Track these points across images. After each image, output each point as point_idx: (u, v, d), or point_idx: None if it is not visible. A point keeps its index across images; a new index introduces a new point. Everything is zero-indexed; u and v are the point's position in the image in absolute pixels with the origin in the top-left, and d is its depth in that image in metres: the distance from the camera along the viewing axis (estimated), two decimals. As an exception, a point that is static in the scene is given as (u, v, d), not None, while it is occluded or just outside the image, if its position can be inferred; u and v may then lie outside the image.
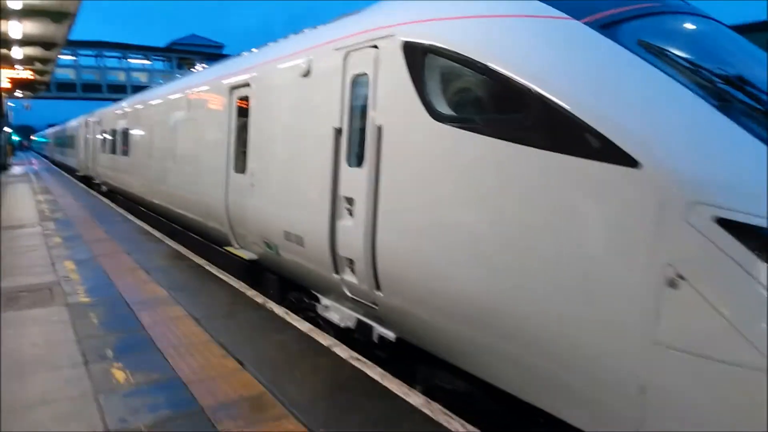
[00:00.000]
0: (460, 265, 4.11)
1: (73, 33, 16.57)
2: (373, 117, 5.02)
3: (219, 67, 10.14)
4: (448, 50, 4.29)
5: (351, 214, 5.43)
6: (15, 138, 60.95)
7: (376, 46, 5.05)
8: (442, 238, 4.26)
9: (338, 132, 5.62)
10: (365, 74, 5.21)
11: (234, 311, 6.53)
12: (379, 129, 4.93)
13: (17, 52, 16.24)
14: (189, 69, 38.51)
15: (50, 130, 57.33)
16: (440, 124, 4.30)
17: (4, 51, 15.89)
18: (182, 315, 6.33)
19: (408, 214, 4.64)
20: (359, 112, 5.39)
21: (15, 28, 13.20)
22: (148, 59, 52.37)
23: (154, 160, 13.09)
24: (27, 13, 12.15)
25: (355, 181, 5.33)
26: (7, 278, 8.04)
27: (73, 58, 45.89)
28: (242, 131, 8.25)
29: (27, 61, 17.68)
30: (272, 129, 7.13)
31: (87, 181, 24.92)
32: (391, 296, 5.01)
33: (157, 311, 6.46)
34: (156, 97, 13.89)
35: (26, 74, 15.22)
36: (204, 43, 62.44)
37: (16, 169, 38.43)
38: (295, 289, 7.21)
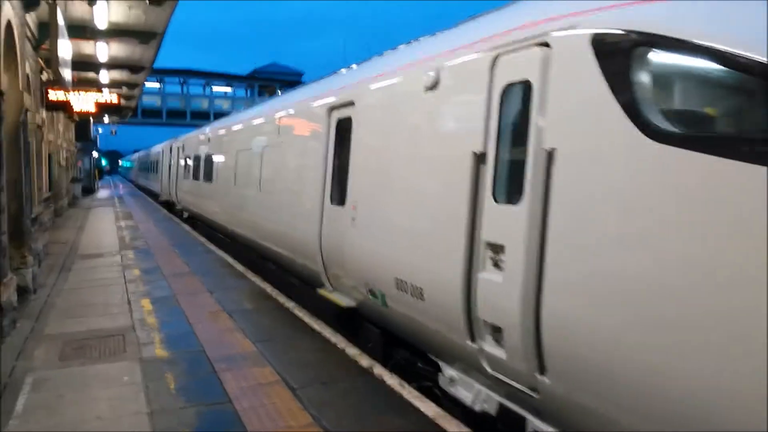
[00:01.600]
0: (688, 349, 2.72)
1: (158, 61, 16.38)
2: (540, 138, 3.71)
3: (313, 87, 9.16)
4: (680, 41, 2.93)
5: (498, 265, 4.12)
6: (103, 163, 63.81)
7: (545, 44, 3.76)
8: (659, 309, 2.88)
9: (479, 158, 4.36)
10: (525, 82, 3.92)
11: (335, 376, 5.30)
12: (550, 154, 3.62)
13: (105, 76, 16.10)
14: (269, 97, 38.78)
15: (135, 155, 59.58)
16: (662, 145, 2.93)
17: (91, 74, 15.75)
18: (274, 380, 5.15)
19: (598, 271, 3.28)
20: (513, 132, 4.10)
21: (102, 50, 12.90)
22: (230, 87, 53.56)
23: (239, 187, 12.28)
24: (113, 33, 11.81)
25: (506, 222, 4.03)
26: (78, 319, 7.20)
27: (159, 85, 47.43)
28: (342, 157, 7.15)
29: (114, 85, 17.64)
30: (382, 154, 5.96)
31: (169, 206, 24.88)
32: (562, 383, 3.63)
33: (244, 373, 5.33)
34: (241, 121, 13.18)
35: (113, 98, 14.89)
36: (284, 71, 63.43)
37: (102, 193, 39.62)
38: (403, 345, 5.95)
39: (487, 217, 4.26)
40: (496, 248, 4.14)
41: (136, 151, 64.72)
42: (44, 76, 13.89)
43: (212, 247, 13.70)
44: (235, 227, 12.63)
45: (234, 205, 12.65)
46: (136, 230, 17.00)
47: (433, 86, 5.06)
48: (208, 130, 17.86)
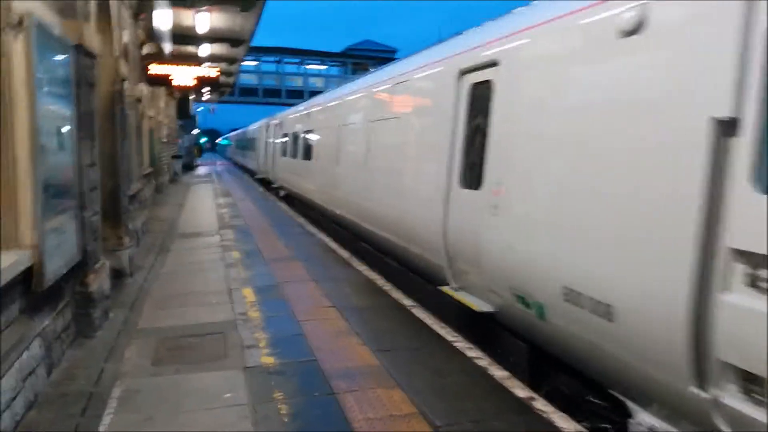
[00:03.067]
0: None
1: (254, 40, 15.67)
2: None
3: (427, 54, 7.86)
4: None
5: (758, 285, 2.77)
6: (202, 140, 65.78)
7: None
8: None
9: (727, 127, 2.95)
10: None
11: (485, 411, 4.08)
12: None
13: (204, 49, 15.56)
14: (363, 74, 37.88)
15: (232, 133, 60.84)
16: None
17: (191, 48, 15.24)
18: (409, 413, 4.01)
19: None
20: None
21: (202, 20, 12.23)
22: (324, 65, 53.01)
23: (340, 166, 11.27)
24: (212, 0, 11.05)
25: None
26: (175, 310, 6.42)
27: (255, 63, 47.64)
28: (476, 131, 5.87)
29: (214, 60, 17.11)
30: (546, 126, 4.60)
31: (266, 184, 24.62)
32: None
33: (368, 397, 4.24)
34: (343, 95, 12.13)
35: (213, 73, 14.31)
36: (378, 47, 62.20)
37: (201, 170, 40.46)
38: (561, 367, 4.67)
39: (739, 213, 2.87)
40: (755, 260, 2.77)
41: (233, 129, 66.29)
42: (144, 51, 13.48)
43: (312, 229, 12.86)
44: (335, 208, 11.67)
45: (335, 186, 11.67)
46: (235, 208, 16.56)
47: (634, 30, 3.65)
48: (306, 106, 17.04)
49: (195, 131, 46.73)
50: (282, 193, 20.27)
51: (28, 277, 4.01)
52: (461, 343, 5.43)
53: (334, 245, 10.70)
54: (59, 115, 4.79)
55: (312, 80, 50.96)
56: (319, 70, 52.88)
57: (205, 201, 18.80)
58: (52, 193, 4.45)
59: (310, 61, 52.01)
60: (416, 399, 4.21)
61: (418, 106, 7.54)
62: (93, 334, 5.43)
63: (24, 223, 3.99)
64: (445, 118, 6.48)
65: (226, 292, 7.17)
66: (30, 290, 4.10)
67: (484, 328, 5.83)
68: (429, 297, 6.93)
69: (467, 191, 5.87)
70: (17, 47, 3.93)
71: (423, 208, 6.91)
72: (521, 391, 4.40)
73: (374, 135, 9.18)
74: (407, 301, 6.85)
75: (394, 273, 8.28)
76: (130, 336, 5.54)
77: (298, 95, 44.83)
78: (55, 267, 4.43)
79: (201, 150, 58.35)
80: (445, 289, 6.33)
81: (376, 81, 9.77)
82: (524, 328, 5.03)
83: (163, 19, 11.95)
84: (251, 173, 32.70)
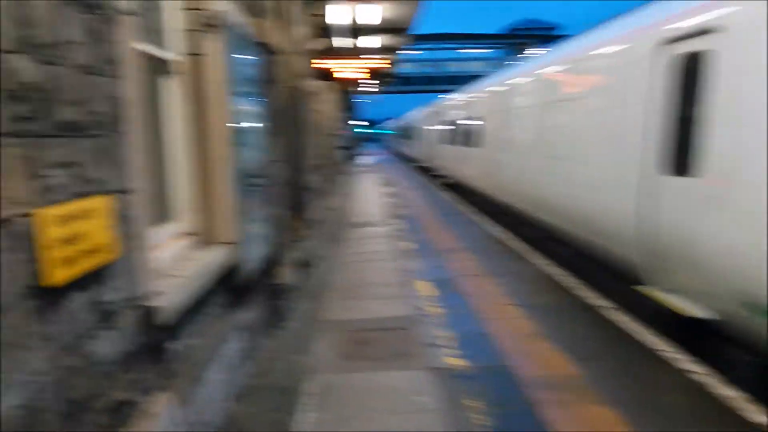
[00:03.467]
0: None
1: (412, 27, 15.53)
2: None
3: (623, 22, 7.02)
4: None
5: None
6: (363, 130, 67.96)
7: None
8: None
9: None
10: None
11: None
12: None
13: (367, 41, 15.72)
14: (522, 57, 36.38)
15: (391, 123, 62.12)
16: None
17: (354, 40, 15.44)
18: (627, 435, 3.50)
19: None
20: None
21: (366, 11, 12.30)
22: (483, 48, 51.94)
23: (512, 153, 10.70)
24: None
25: None
26: (356, 302, 6.41)
27: (411, 52, 48.05)
28: (685, 108, 5.06)
29: (377, 51, 17.29)
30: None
31: (426, 172, 24.63)
32: None
33: (578, 414, 3.78)
34: (514, 77, 11.49)
35: (376, 65, 14.40)
36: (539, 26, 59.41)
37: (363, 160, 41.77)
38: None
39: None
40: None
41: (390, 118, 67.69)
42: (312, 44, 13.92)
43: (478, 218, 12.45)
44: (507, 197, 11.13)
45: (506, 173, 11.12)
46: (399, 197, 16.67)
47: None
48: (469, 92, 16.59)
49: (356, 122, 48.34)
50: (445, 181, 20.07)
51: (228, 274, 4.11)
52: (669, 353, 4.73)
53: (503, 236, 10.20)
54: (250, 113, 4.89)
55: (471, 65, 50.22)
56: (478, 53, 51.90)
57: (370, 190, 19.19)
58: (246, 190, 4.54)
59: (467, 45, 51.28)
60: (632, 420, 3.66)
61: (607, 84, 6.77)
62: (284, 325, 5.55)
63: (223, 220, 4.08)
64: (637, 95, 5.72)
65: (402, 285, 7.04)
66: (230, 285, 4.20)
67: (692, 336, 5.07)
68: (615, 295, 6.23)
69: (673, 179, 5.09)
70: (213, 46, 4.01)
71: (610, 196, 6.21)
72: (759, 416, 3.65)
73: (550, 118, 8.51)
74: (596, 301, 6.20)
75: (575, 266, 7.63)
76: (317, 328, 5.59)
77: (456, 81, 44.42)
78: (252, 262, 4.52)
79: (362, 140, 60.36)
80: (647, 290, 5.60)
81: (553, 60, 9.05)
82: (756, 340, 4.22)
83: (330, 13, 12.21)
84: (412, 162, 33.02)
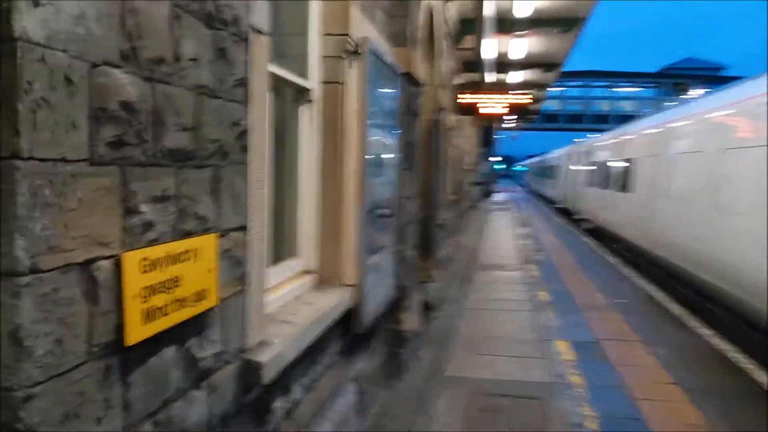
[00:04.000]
0: None
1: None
2: None
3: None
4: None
5: None
6: (498, 166, 66.68)
7: None
8: None
9: None
10: None
11: None
12: None
13: (515, 76, 15.15)
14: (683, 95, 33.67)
15: (530, 160, 60.32)
16: None
17: (501, 76, 14.93)
18: None
19: None
20: None
21: (518, 45, 11.78)
22: (635, 87, 48.85)
23: (671, 200, 9.51)
24: (535, 22, 10.48)
25: None
26: (484, 356, 5.80)
27: (559, 88, 46.44)
28: None
29: (523, 87, 16.66)
30: None
31: (566, 214, 23.29)
32: None
33: None
34: (678, 119, 10.30)
35: (524, 99, 13.79)
36: (702, 65, 54.78)
37: (498, 197, 40.72)
38: None
39: None
40: None
41: (530, 155, 65.86)
42: (457, 78, 13.65)
43: (626, 271, 11.25)
44: (661, 250, 9.86)
45: (661, 223, 9.90)
46: (535, 240, 15.73)
47: None
48: (621, 132, 15.34)
49: (493, 158, 47.48)
50: (586, 226, 18.71)
51: (346, 318, 3.75)
52: None
53: (659, 295, 9.03)
54: (385, 145, 4.58)
55: (621, 104, 47.45)
56: (631, 92, 48.92)
57: (504, 229, 18.39)
58: (374, 227, 4.20)
59: (620, 83, 48.59)
60: None
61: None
62: (402, 376, 5.10)
63: (347, 260, 3.75)
64: None
65: (537, 342, 6.32)
66: (348, 330, 3.84)
67: None
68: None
69: None
70: (352, 74, 3.74)
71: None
72: None
73: (727, 166, 7.35)
74: (779, 388, 5.07)
75: (748, 340, 6.41)
76: (440, 384, 5.07)
77: (603, 120, 42.19)
78: (374, 306, 4.15)
79: (498, 176, 59.20)
80: None
81: (730, 101, 7.90)
82: None
83: (481, 47, 11.85)
84: (549, 202, 31.56)
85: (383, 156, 4.51)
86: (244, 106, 2.23)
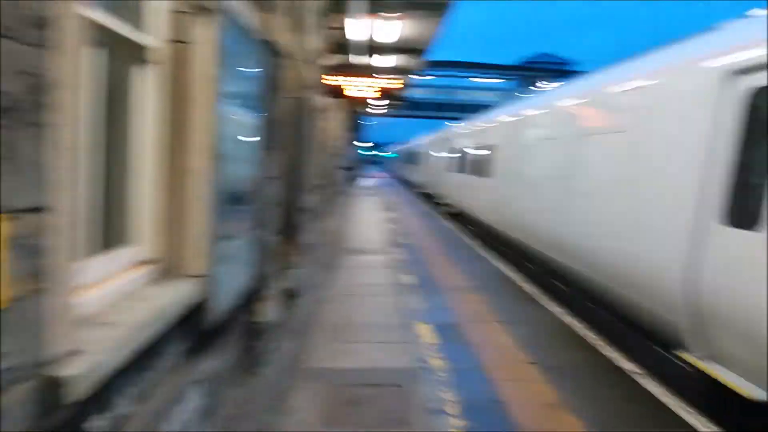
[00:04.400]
0: None
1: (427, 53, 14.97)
2: None
3: (669, 52, 6.33)
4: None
5: None
6: (367, 152, 67.43)
7: None
8: None
9: None
10: None
11: None
12: None
13: (380, 60, 15.05)
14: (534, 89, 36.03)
15: (396, 147, 61.58)
16: None
17: (366, 59, 14.76)
18: None
19: None
20: None
21: (386, 29, 11.66)
22: (494, 78, 51.49)
23: (529, 186, 9.94)
24: (403, 5, 10.41)
25: None
26: (346, 345, 5.59)
27: (426, 77, 47.63)
28: (754, 146, 4.34)
29: (388, 72, 16.64)
30: None
31: (428, 198, 23.95)
32: None
33: None
34: (535, 108, 10.79)
35: (388, 85, 13.73)
36: (554, 60, 59.12)
37: (366, 182, 41.09)
38: None
39: None
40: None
41: (394, 142, 67.22)
42: (325, 59, 13.28)
43: (483, 252, 11.68)
44: (516, 233, 10.33)
45: (520, 207, 10.33)
46: (399, 223, 15.91)
47: None
48: (483, 120, 15.93)
49: (362, 144, 47.79)
50: (447, 210, 19.34)
51: (195, 313, 3.31)
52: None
53: (513, 275, 9.42)
54: (243, 118, 4.15)
55: (481, 94, 49.80)
56: (490, 83, 51.50)
57: (370, 214, 18.46)
58: (228, 210, 3.77)
59: (479, 75, 50.95)
60: None
61: (655, 116, 6.05)
62: (259, 372, 4.73)
63: (194, 247, 3.30)
64: (696, 134, 5.00)
65: (400, 327, 6.25)
66: (195, 328, 3.41)
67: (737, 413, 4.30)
68: (642, 355, 5.47)
69: (742, 232, 4.33)
70: (201, 35, 3.27)
71: (652, 245, 5.45)
72: None
73: (579, 152, 7.75)
74: (626, 364, 5.40)
75: (591, 314, 6.85)
76: (299, 377, 4.77)
77: (466, 109, 43.97)
78: (227, 298, 3.74)
79: (364, 162, 59.80)
80: (696, 362, 4.79)
81: (582, 92, 8.36)
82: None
83: (348, 28, 11.57)
84: (415, 187, 32.37)
85: (240, 130, 4.08)
86: (44, 53, 1.75)
